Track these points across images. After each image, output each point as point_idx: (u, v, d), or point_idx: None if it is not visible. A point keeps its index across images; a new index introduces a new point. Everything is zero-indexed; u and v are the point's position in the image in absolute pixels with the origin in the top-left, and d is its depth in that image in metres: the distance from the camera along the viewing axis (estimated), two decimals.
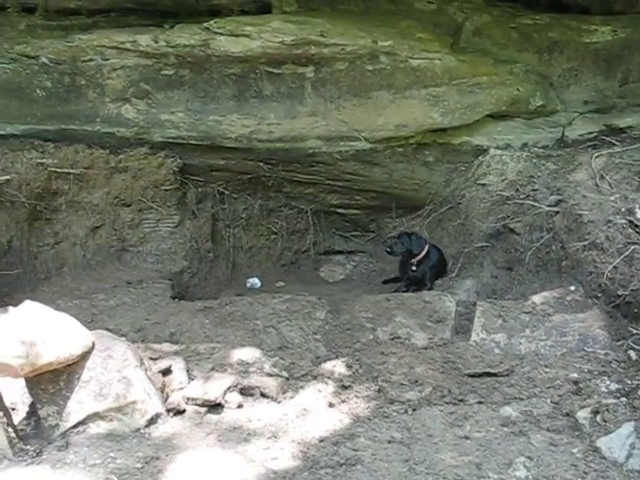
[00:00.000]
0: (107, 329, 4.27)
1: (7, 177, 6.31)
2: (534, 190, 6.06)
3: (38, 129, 6.50)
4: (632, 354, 4.26)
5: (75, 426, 3.66)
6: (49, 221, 6.63)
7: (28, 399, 3.84)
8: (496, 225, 6.19)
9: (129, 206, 6.81)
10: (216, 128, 6.46)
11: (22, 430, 3.72)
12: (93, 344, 3.76)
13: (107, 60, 6.28)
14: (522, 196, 6.10)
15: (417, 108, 6.31)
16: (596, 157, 5.99)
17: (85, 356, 3.71)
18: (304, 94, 6.32)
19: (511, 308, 4.93)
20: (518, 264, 5.89)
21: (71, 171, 6.55)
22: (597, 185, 5.66)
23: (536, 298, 5.03)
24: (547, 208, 5.73)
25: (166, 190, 6.84)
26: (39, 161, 6.44)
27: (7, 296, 5.43)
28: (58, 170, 6.51)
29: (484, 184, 6.50)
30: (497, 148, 6.60)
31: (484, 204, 6.41)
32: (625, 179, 5.62)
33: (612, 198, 5.37)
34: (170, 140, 6.59)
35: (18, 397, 3.88)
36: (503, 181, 6.37)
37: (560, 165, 6.19)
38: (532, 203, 5.91)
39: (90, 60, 6.27)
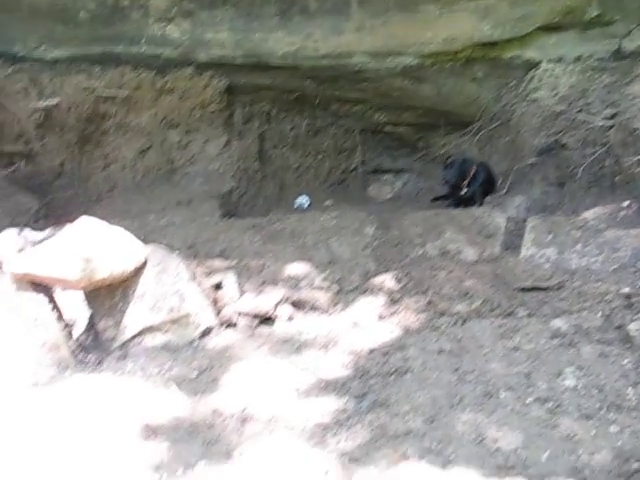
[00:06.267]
0: None
1: (56, 101, 6.39)
2: (588, 104, 5.87)
3: (84, 52, 6.53)
4: None
5: (132, 338, 3.77)
6: (99, 144, 6.74)
7: (87, 312, 3.97)
8: (547, 141, 6.06)
9: (176, 127, 6.85)
10: (261, 46, 6.40)
11: (82, 342, 3.86)
12: (146, 259, 3.83)
13: None
14: (575, 110, 5.92)
15: (466, 21, 6.11)
16: None
17: (139, 271, 3.79)
18: (350, 9, 6.17)
19: (562, 224, 4.86)
20: (570, 180, 5.78)
21: (118, 94, 6.58)
22: None
23: (588, 214, 4.95)
24: (601, 122, 5.57)
25: (213, 111, 6.85)
26: (86, 84, 6.51)
27: (62, 217, 5.55)
28: (105, 93, 6.54)
29: (535, 99, 6.32)
30: (549, 61, 6.35)
31: (535, 120, 6.25)
32: None
33: None
34: (215, 60, 6.56)
35: (77, 311, 4.02)
36: (555, 95, 6.17)
37: (616, 78, 5.95)
38: (585, 117, 5.74)
39: None
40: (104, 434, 3.00)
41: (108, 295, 3.80)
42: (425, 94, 6.84)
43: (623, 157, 5.19)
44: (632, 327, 3.72)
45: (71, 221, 3.92)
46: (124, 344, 3.76)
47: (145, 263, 3.83)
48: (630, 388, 3.24)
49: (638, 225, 4.69)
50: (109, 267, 3.65)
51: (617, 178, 5.24)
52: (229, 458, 2.86)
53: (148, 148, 6.82)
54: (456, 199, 6.45)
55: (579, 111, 5.89)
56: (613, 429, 2.95)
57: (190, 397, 3.29)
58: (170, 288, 3.81)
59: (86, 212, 5.17)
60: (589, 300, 4.06)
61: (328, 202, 7.31)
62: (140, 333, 3.78)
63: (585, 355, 3.53)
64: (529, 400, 3.17)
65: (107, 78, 6.57)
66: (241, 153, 7.07)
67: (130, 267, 3.74)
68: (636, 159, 4.97)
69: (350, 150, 7.82)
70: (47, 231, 3.95)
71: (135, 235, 4.01)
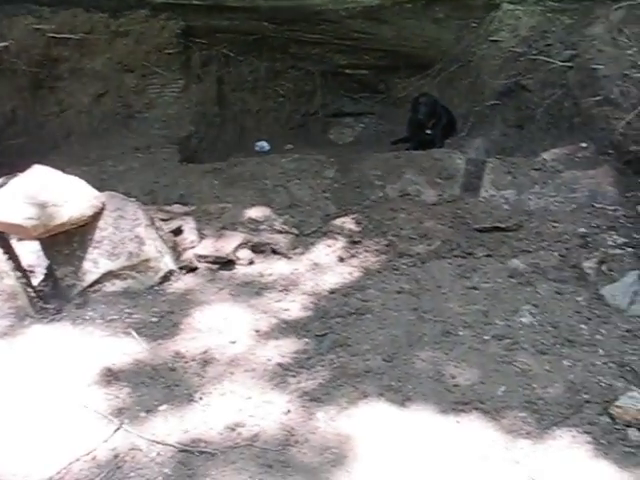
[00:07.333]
0: None
1: (5, 44, 6.17)
2: (548, 45, 5.84)
3: None
4: None
5: (91, 285, 3.75)
6: (52, 89, 6.53)
7: (44, 261, 3.90)
8: (507, 82, 6.02)
9: (133, 72, 6.66)
10: None
11: (41, 290, 3.81)
12: (104, 205, 3.78)
13: None
14: (535, 52, 5.89)
15: None
16: (615, 9, 5.72)
17: (96, 216, 3.75)
18: None
19: (521, 165, 4.88)
20: (529, 122, 5.77)
21: (70, 36, 6.38)
22: (614, 39, 5.42)
23: (546, 155, 4.96)
24: (560, 63, 5.55)
25: (169, 54, 6.66)
26: (36, 26, 6.27)
27: (15, 165, 5.43)
28: (57, 36, 6.34)
29: (496, 40, 6.26)
30: (510, 3, 6.27)
31: (495, 61, 6.22)
32: None
33: (629, 52, 5.15)
34: (171, 1, 6.37)
35: (35, 259, 3.95)
36: (516, 37, 6.13)
37: (576, 19, 5.91)
38: (545, 59, 5.72)
39: None
40: (65, 381, 3.01)
41: (66, 242, 3.75)
42: (385, 36, 6.74)
43: (581, 99, 5.19)
44: (586, 265, 3.82)
45: (22, 170, 3.83)
46: (83, 291, 3.73)
47: (103, 209, 3.78)
48: (583, 324, 3.35)
49: (595, 166, 4.73)
50: (66, 213, 3.60)
51: (575, 120, 5.24)
52: (191, 401, 2.89)
53: (104, 93, 6.62)
54: (417, 142, 6.43)
55: (539, 53, 5.86)
56: (566, 363, 3.06)
57: (151, 342, 3.30)
58: (128, 234, 3.77)
59: (42, 159, 5.10)
60: (546, 240, 4.14)
61: (288, 146, 7.23)
62: (99, 280, 3.75)
63: (541, 293, 3.63)
64: (486, 337, 3.26)
65: (58, 20, 6.34)
66: (199, 97, 6.91)
67: (88, 212, 3.70)
68: (594, 100, 4.98)
69: (310, 93, 7.68)
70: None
71: (93, 181, 3.95)
